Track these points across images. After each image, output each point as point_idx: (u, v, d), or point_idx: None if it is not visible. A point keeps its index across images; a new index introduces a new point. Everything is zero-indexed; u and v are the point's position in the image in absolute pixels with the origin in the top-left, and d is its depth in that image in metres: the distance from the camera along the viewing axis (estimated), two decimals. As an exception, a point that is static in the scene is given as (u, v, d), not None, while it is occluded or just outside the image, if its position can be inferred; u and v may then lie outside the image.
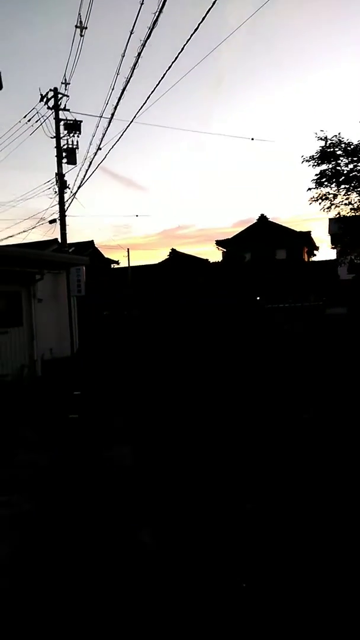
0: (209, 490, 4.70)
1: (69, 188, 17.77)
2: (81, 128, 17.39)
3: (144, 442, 6.37)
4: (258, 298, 24.39)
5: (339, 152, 15.43)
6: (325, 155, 15.50)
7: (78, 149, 17.59)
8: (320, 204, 16.25)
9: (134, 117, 12.97)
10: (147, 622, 2.87)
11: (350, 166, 15.53)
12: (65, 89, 17.08)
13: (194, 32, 8.33)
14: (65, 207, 17.73)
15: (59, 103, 17.18)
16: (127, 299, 26.83)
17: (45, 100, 17.14)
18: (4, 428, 7.21)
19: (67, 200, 17.76)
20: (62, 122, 17.33)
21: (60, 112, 17.29)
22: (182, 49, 8.91)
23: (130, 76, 10.75)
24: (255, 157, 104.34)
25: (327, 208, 16.30)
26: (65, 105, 17.28)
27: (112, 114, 12.95)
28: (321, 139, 15.36)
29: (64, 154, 17.41)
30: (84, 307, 15.61)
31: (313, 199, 16.23)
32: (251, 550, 3.61)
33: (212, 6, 7.67)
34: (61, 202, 17.65)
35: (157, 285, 27.90)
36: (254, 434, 6.46)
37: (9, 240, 20.50)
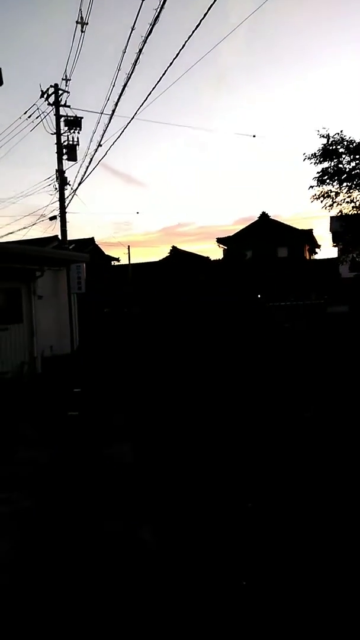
0: (210, 488, 4.68)
1: (70, 185, 17.77)
2: (82, 124, 17.38)
3: (145, 440, 6.34)
4: (259, 296, 24.36)
5: (341, 150, 15.38)
6: (327, 152, 15.44)
7: (78, 145, 17.60)
8: (322, 201, 16.24)
9: (135, 113, 12.97)
10: (146, 618, 2.84)
11: (353, 164, 15.49)
12: (66, 85, 17.05)
13: (195, 29, 8.29)
14: (66, 204, 17.72)
15: (60, 99, 17.16)
16: (128, 297, 26.81)
17: (45, 96, 17.11)
18: (3, 425, 7.19)
19: (67, 197, 17.76)
20: (62, 119, 17.31)
21: (61, 108, 17.27)
22: (184, 45, 8.88)
23: (132, 72, 10.73)
24: (256, 154, 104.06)
25: (329, 206, 16.27)
26: (65, 101, 17.27)
27: (113, 111, 12.95)
28: (323, 136, 15.31)
29: (64, 151, 17.39)
30: (84, 305, 15.57)
31: (315, 197, 16.20)
32: (251, 549, 3.58)
33: (213, 2, 7.63)
34: (61, 199, 17.62)
35: (157, 282, 27.88)
36: (254, 432, 6.43)
37: (9, 237, 20.49)
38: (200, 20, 8.06)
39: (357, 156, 15.38)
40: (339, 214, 16.61)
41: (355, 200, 15.93)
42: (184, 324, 19.78)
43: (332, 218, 25.46)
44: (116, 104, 12.30)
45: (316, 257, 36.92)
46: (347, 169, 15.55)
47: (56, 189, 17.68)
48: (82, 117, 17.36)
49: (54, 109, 17.21)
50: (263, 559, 3.45)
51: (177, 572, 3.31)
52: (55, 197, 17.76)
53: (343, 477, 4.82)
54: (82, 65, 28.64)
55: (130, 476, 5.10)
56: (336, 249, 25.93)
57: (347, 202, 16.02)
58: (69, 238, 17.87)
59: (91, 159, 16.46)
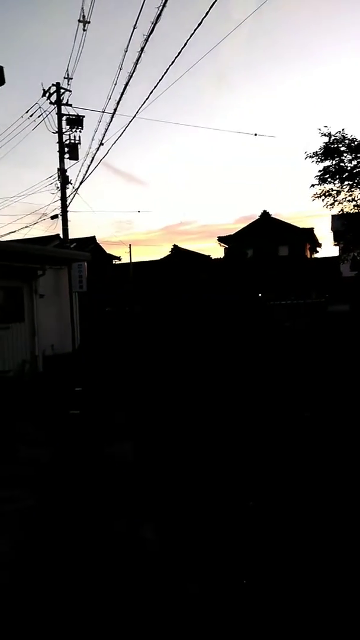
0: (211, 487, 4.69)
1: (71, 183, 17.77)
2: (83, 123, 17.36)
3: (146, 439, 6.36)
4: (260, 294, 24.37)
5: (342, 148, 15.37)
6: (328, 151, 15.44)
7: (80, 144, 17.58)
8: (323, 200, 16.23)
9: (137, 112, 12.98)
10: (147, 617, 2.86)
11: (354, 162, 15.48)
12: (68, 84, 17.05)
13: (197, 27, 8.29)
14: (67, 203, 17.72)
15: (62, 98, 17.14)
16: (129, 295, 26.81)
17: (47, 95, 17.09)
18: (5, 424, 7.22)
19: (69, 196, 17.76)
20: (64, 117, 17.29)
21: (63, 107, 17.26)
22: (185, 44, 8.90)
23: (133, 71, 10.75)
24: (257, 152, 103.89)
25: (330, 204, 16.27)
26: (67, 100, 17.25)
27: (115, 109, 12.96)
28: (325, 135, 15.30)
29: (66, 149, 17.38)
30: (86, 303, 15.58)
31: (316, 196, 16.19)
32: (252, 548, 3.60)
33: (215, 1, 7.63)
34: (63, 198, 17.63)
35: (159, 281, 27.87)
36: (255, 430, 6.45)
37: (11, 235, 20.51)
38: (202, 19, 8.07)
39: (359, 155, 15.37)
40: (340, 212, 16.61)
41: (356, 198, 15.94)
42: (185, 322, 19.79)
43: (333, 217, 25.41)
44: (118, 103, 12.39)
45: (317, 255, 36.87)
46: (349, 168, 15.55)
47: (58, 187, 17.68)
48: (83, 116, 17.36)
49: (56, 108, 17.20)
50: (263, 557, 3.48)
51: (179, 570, 3.34)
52: (57, 196, 17.78)
53: (343, 476, 4.84)
54: (84, 64, 28.65)
55: (131, 475, 5.12)
56: (337, 247, 25.94)
57: (349, 201, 16.03)
58: (70, 237, 17.88)
59: (93, 158, 16.50)
